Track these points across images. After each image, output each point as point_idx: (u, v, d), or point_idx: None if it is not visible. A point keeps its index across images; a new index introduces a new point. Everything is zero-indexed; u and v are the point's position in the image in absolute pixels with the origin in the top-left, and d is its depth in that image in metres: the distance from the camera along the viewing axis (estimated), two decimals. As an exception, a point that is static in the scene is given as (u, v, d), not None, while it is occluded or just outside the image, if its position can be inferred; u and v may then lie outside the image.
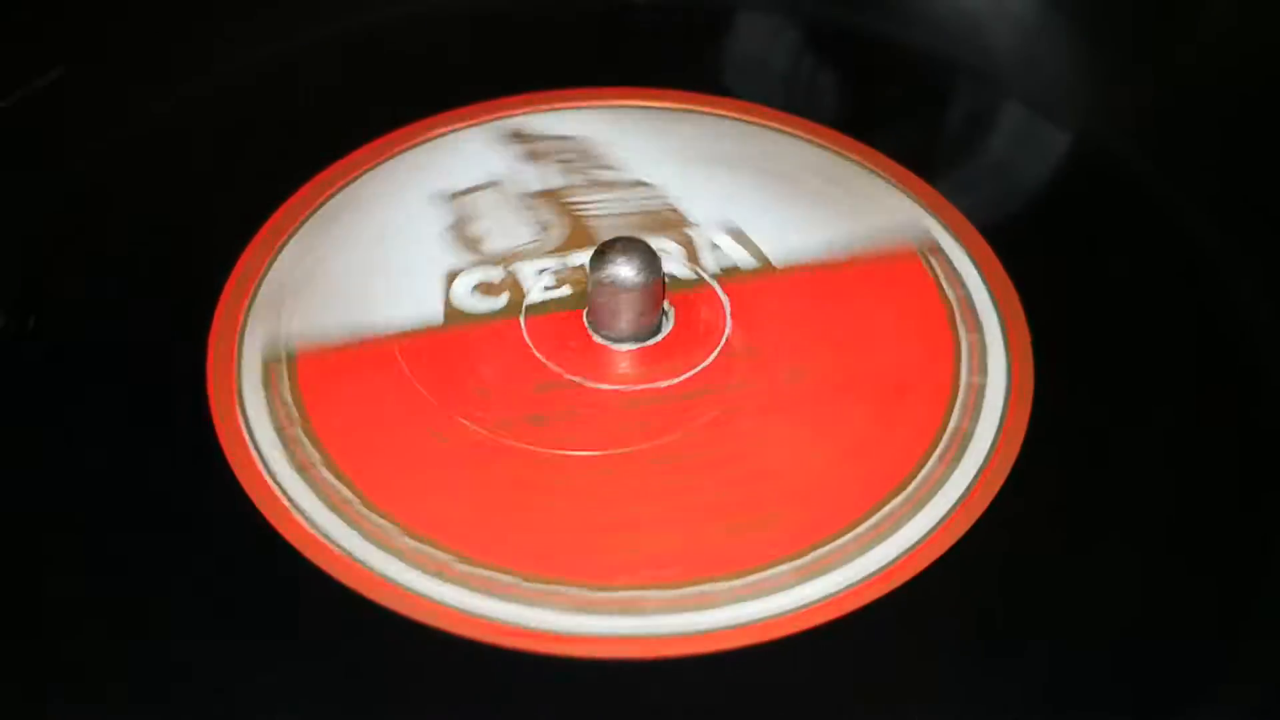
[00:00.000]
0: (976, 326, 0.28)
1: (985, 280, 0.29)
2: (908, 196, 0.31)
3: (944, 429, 0.26)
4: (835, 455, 0.26)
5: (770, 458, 0.26)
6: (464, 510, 0.24)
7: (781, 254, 0.30)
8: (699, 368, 0.27)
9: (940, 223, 0.31)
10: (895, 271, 0.30)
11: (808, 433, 0.26)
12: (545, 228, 0.30)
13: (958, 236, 0.30)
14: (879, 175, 0.32)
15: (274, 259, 0.29)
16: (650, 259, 0.27)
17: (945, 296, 0.29)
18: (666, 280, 0.29)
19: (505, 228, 0.30)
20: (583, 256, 0.29)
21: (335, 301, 0.28)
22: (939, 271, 0.30)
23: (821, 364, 0.27)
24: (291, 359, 0.27)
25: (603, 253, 0.27)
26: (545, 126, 0.33)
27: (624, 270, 0.27)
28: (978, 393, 0.27)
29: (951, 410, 0.26)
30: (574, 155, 0.32)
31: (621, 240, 0.27)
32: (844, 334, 0.28)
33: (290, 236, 0.30)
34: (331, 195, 0.31)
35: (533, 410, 0.26)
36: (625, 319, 0.27)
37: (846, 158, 0.33)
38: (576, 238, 0.30)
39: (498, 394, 0.27)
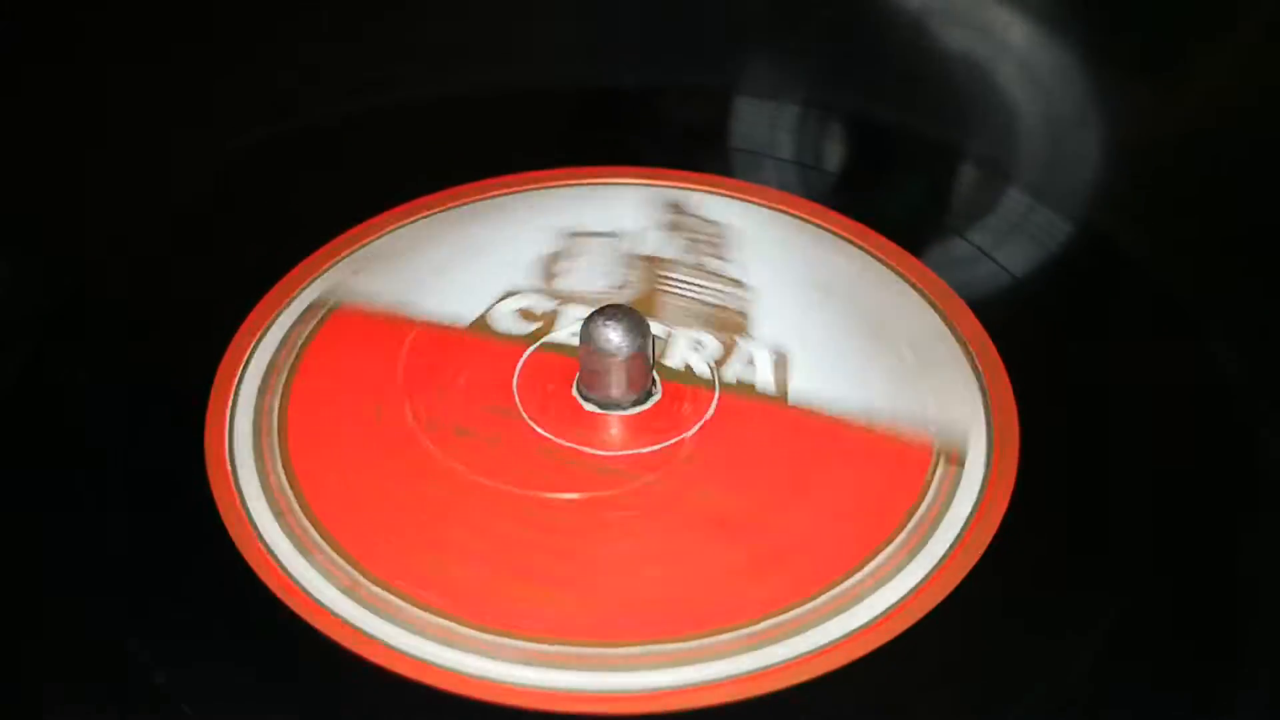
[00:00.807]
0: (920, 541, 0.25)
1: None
2: (980, 398, 0.29)
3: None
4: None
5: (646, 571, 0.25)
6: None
7: (805, 395, 0.28)
8: (637, 451, 0.27)
9: (988, 429, 0.28)
10: (895, 455, 0.27)
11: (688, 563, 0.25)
12: (622, 286, 0.31)
13: (990, 450, 0.27)
14: (971, 365, 0.29)
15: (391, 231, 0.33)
16: (636, 330, 0.27)
17: (923, 495, 0.26)
18: (683, 369, 0.29)
19: (588, 273, 0.32)
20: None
21: (403, 276, 0.31)
22: (938, 478, 0.27)
23: (751, 495, 0.26)
24: (337, 306, 0.30)
25: (597, 314, 0.28)
26: (700, 206, 0.34)
27: (607, 334, 0.27)
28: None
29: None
30: (704, 238, 0.33)
31: (621, 308, 0.28)
32: (787, 477, 0.27)
33: (428, 215, 0.33)
34: (477, 200, 0.34)
35: (466, 424, 0.28)
36: (607, 379, 0.28)
37: (953, 331, 0.30)
38: (641, 303, 0.31)
39: (450, 397, 0.28)
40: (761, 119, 0.37)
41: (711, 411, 0.28)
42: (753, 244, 0.33)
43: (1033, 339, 0.30)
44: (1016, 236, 0.33)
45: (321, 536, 0.25)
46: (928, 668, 0.23)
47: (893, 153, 0.37)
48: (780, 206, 0.34)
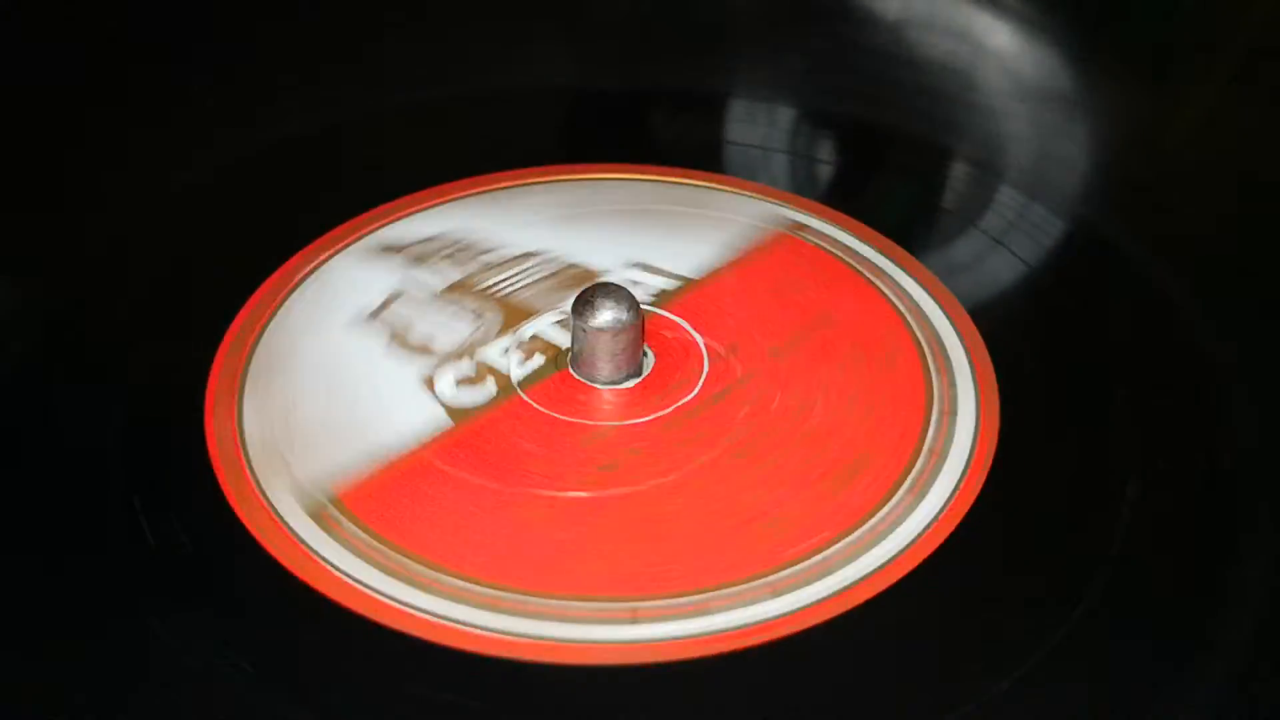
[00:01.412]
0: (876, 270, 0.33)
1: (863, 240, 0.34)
2: (757, 199, 0.35)
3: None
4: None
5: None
6: (570, 562, 0.25)
7: (691, 268, 0.32)
8: (701, 380, 0.29)
9: (793, 210, 0.35)
10: (787, 249, 0.33)
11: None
12: (478, 314, 0.31)
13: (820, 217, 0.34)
14: (725, 190, 0.35)
15: (240, 426, 0.28)
16: (630, 297, 0.29)
17: (838, 258, 0.33)
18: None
19: (442, 326, 0.31)
20: (533, 328, 0.30)
21: (338, 440, 0.27)
22: (816, 240, 0.34)
23: (793, 335, 0.30)
24: (335, 500, 0.26)
25: (588, 302, 0.28)
26: (409, 232, 0.33)
27: (613, 314, 0.28)
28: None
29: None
30: (452, 249, 0.33)
31: (599, 287, 0.29)
32: (792, 301, 0.31)
33: (240, 402, 0.28)
34: (249, 357, 0.30)
35: (599, 461, 0.27)
36: (622, 356, 0.29)
37: (694, 185, 0.36)
38: (512, 315, 0.31)
39: (556, 459, 0.27)
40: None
41: (683, 321, 0.31)
42: (484, 228, 0.34)
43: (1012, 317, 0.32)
44: (1007, 231, 0.35)
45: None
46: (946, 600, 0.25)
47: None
48: (461, 194, 0.35)
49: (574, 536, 0.25)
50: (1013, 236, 0.34)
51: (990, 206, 0.36)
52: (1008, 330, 0.31)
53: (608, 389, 0.29)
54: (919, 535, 0.25)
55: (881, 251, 0.33)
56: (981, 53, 0.41)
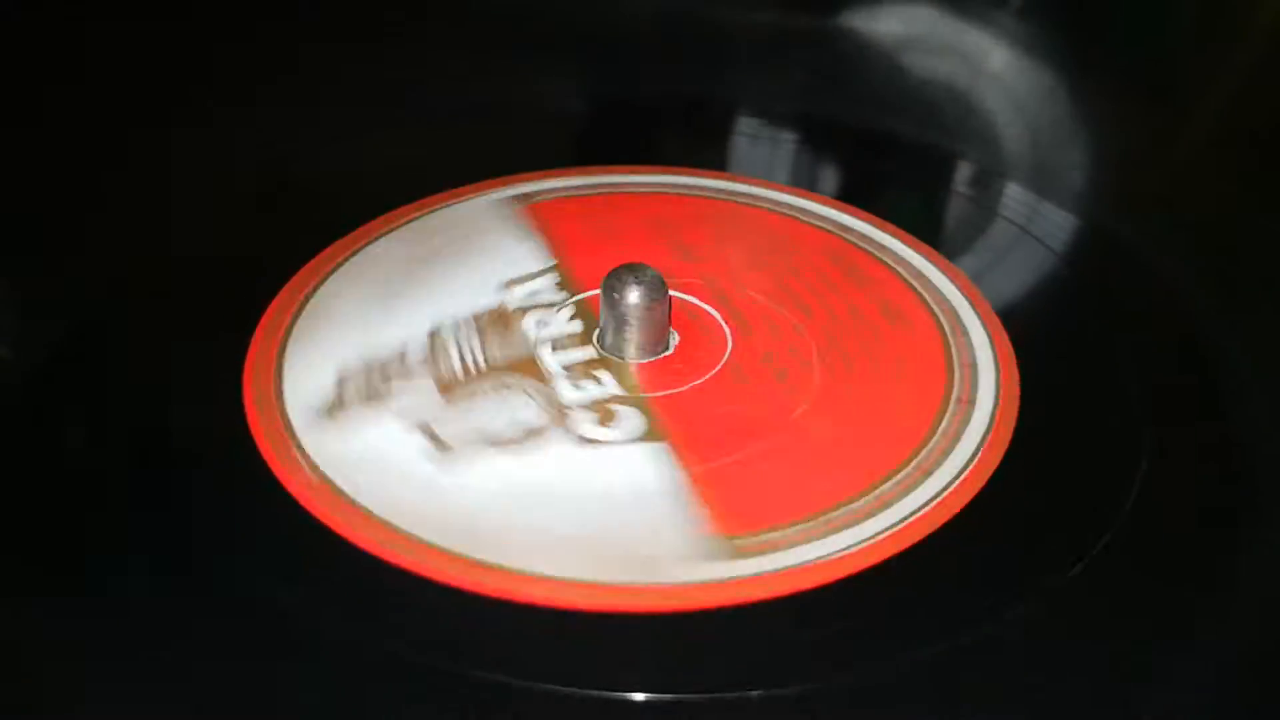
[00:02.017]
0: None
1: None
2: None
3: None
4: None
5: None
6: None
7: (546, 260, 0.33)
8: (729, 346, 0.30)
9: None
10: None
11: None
12: (501, 388, 0.28)
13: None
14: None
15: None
16: (655, 278, 0.29)
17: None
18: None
19: (498, 417, 0.27)
20: (551, 363, 0.29)
21: (621, 543, 0.25)
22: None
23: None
24: (728, 539, 0.24)
25: (623, 279, 0.29)
26: (313, 397, 0.28)
27: (638, 289, 0.29)
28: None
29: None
30: (374, 377, 0.29)
31: (625, 269, 0.29)
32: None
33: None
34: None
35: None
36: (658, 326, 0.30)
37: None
38: (523, 369, 0.29)
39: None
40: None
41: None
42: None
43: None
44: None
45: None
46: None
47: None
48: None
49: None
50: (1017, 229, 0.36)
51: (999, 203, 0.37)
52: (1018, 300, 0.33)
53: (648, 361, 0.29)
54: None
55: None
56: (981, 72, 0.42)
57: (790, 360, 0.30)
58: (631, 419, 0.27)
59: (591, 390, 0.28)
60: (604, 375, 0.29)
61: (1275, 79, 0.39)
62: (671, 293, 0.30)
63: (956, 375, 0.29)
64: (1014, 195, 0.38)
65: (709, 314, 0.31)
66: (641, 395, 0.28)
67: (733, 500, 0.25)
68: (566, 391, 0.28)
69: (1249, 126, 0.38)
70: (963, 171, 0.40)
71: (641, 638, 0.23)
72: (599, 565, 0.23)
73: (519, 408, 0.28)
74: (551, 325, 0.30)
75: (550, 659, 0.22)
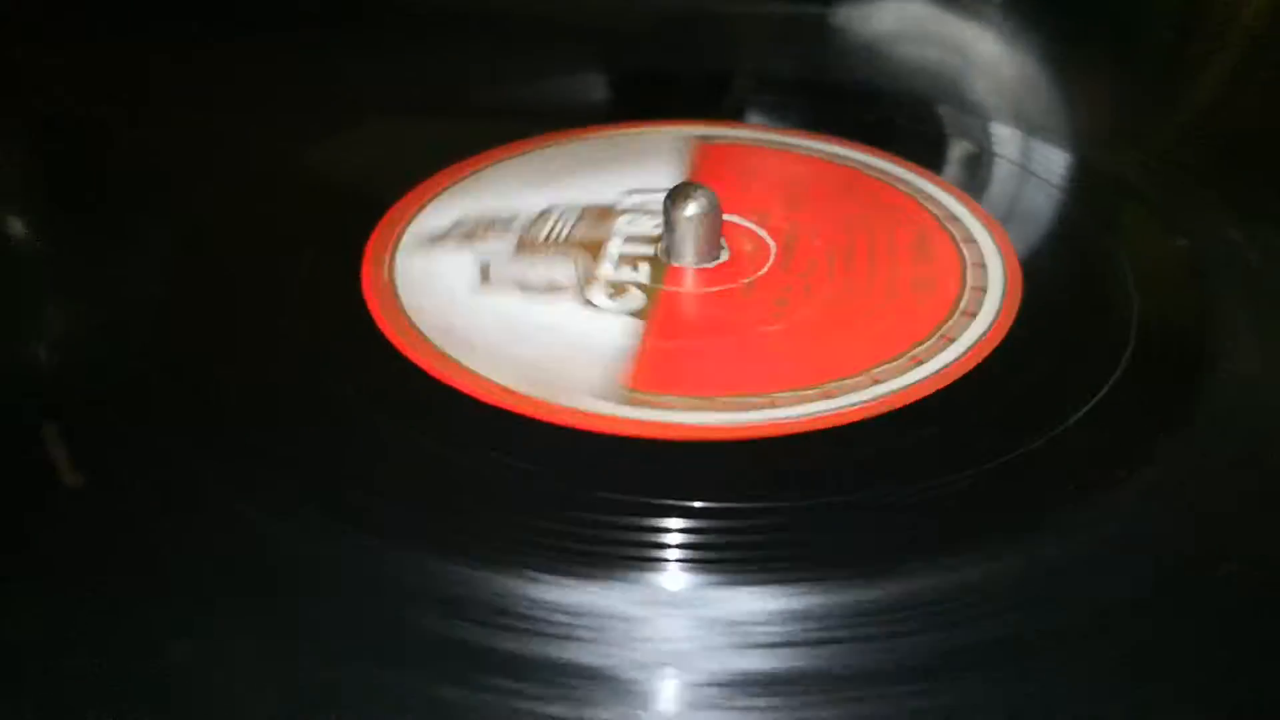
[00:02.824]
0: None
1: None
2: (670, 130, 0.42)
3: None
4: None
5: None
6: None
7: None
8: (773, 252, 0.36)
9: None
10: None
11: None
12: (564, 255, 0.35)
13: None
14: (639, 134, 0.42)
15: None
16: (705, 188, 0.35)
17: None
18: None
19: (548, 270, 0.34)
20: (615, 250, 0.35)
21: (576, 372, 0.31)
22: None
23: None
24: (625, 387, 0.30)
25: (681, 198, 0.34)
26: (433, 226, 0.36)
27: (702, 201, 0.34)
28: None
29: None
30: (485, 225, 0.37)
31: (685, 186, 0.35)
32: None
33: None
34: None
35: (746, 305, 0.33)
36: (711, 239, 0.35)
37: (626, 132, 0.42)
38: (589, 248, 0.35)
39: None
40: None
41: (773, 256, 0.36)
42: (496, 201, 0.38)
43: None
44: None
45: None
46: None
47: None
48: (459, 178, 0.38)
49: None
50: (1012, 164, 0.42)
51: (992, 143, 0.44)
52: (1014, 210, 0.39)
53: (703, 268, 0.35)
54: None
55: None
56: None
57: (808, 284, 0.34)
58: (635, 299, 0.33)
59: (623, 274, 0.34)
60: (644, 267, 0.35)
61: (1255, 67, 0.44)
62: (750, 226, 0.36)
63: (969, 272, 0.35)
64: (1005, 135, 0.44)
65: (768, 247, 0.36)
66: (657, 286, 0.34)
67: (656, 370, 0.30)
68: (605, 270, 0.34)
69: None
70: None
71: (537, 437, 0.28)
72: (529, 383, 0.30)
73: (559, 271, 0.34)
74: (637, 226, 0.37)
75: (470, 433, 0.28)
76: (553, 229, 0.36)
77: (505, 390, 0.30)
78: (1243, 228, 0.37)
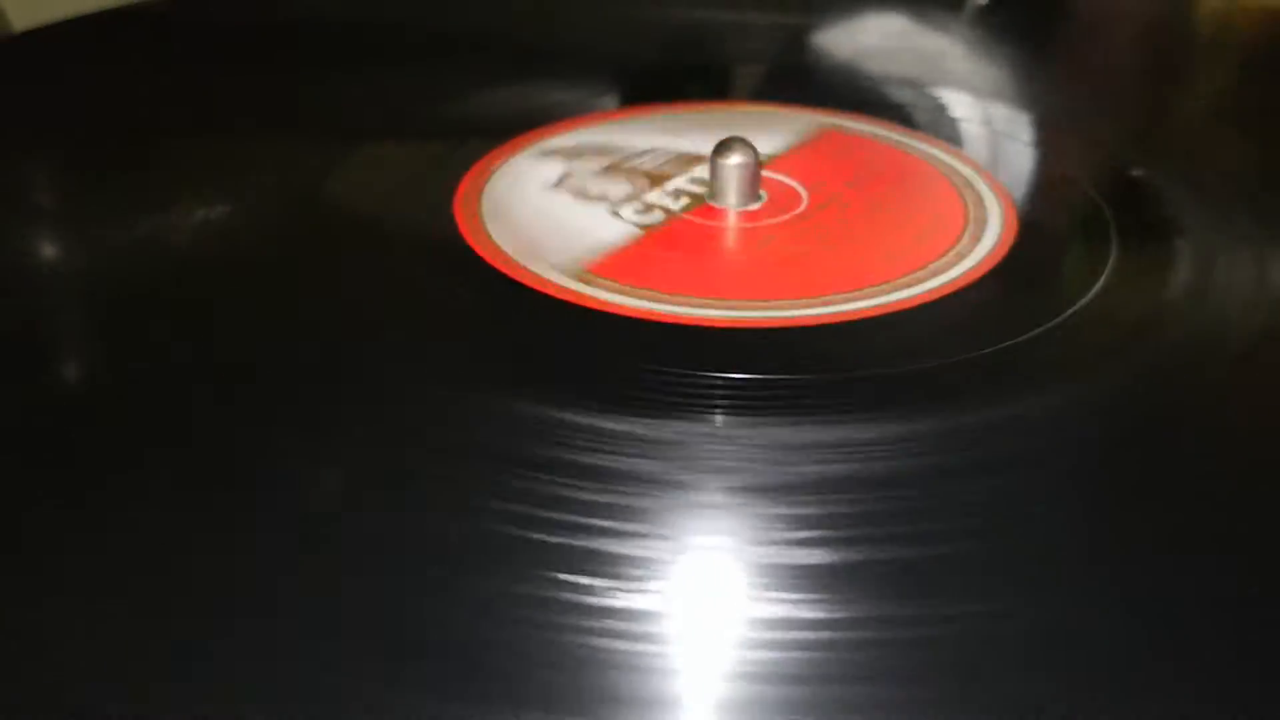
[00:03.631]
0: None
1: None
2: (798, 113, 0.48)
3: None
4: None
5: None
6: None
7: (765, 152, 0.45)
8: (805, 199, 0.42)
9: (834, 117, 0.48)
10: (835, 139, 0.46)
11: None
12: (631, 180, 0.43)
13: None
14: (768, 113, 0.48)
15: (493, 240, 0.39)
16: (750, 144, 0.41)
17: (878, 139, 0.46)
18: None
19: (609, 187, 0.42)
20: (674, 185, 0.42)
21: (565, 247, 0.39)
22: (858, 132, 0.47)
23: (862, 173, 0.43)
24: (586, 272, 0.37)
25: (724, 147, 0.41)
26: (559, 144, 0.45)
27: (741, 154, 0.41)
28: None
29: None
30: (595, 151, 0.45)
31: (730, 139, 0.41)
32: (853, 159, 0.44)
33: (486, 229, 0.39)
34: (479, 209, 0.41)
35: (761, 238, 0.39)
36: (750, 185, 0.41)
37: (757, 111, 0.49)
38: (656, 179, 0.43)
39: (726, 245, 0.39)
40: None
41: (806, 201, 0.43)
42: (616, 139, 0.46)
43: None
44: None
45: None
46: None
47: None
48: (596, 123, 0.47)
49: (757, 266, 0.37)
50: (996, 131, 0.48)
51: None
52: (1004, 161, 0.44)
53: (739, 210, 0.41)
54: (985, 257, 0.38)
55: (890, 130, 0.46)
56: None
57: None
58: (653, 218, 0.40)
59: (663, 201, 0.41)
60: (684, 200, 0.42)
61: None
62: (794, 188, 0.42)
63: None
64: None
65: (801, 199, 0.42)
66: (681, 214, 0.41)
67: (620, 265, 0.38)
68: (652, 196, 0.42)
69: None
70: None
71: (495, 283, 0.37)
72: (517, 251, 0.38)
73: (614, 189, 0.42)
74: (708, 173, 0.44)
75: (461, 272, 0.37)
76: (640, 162, 0.44)
77: (501, 253, 0.38)
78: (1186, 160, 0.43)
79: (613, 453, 0.28)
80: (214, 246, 0.38)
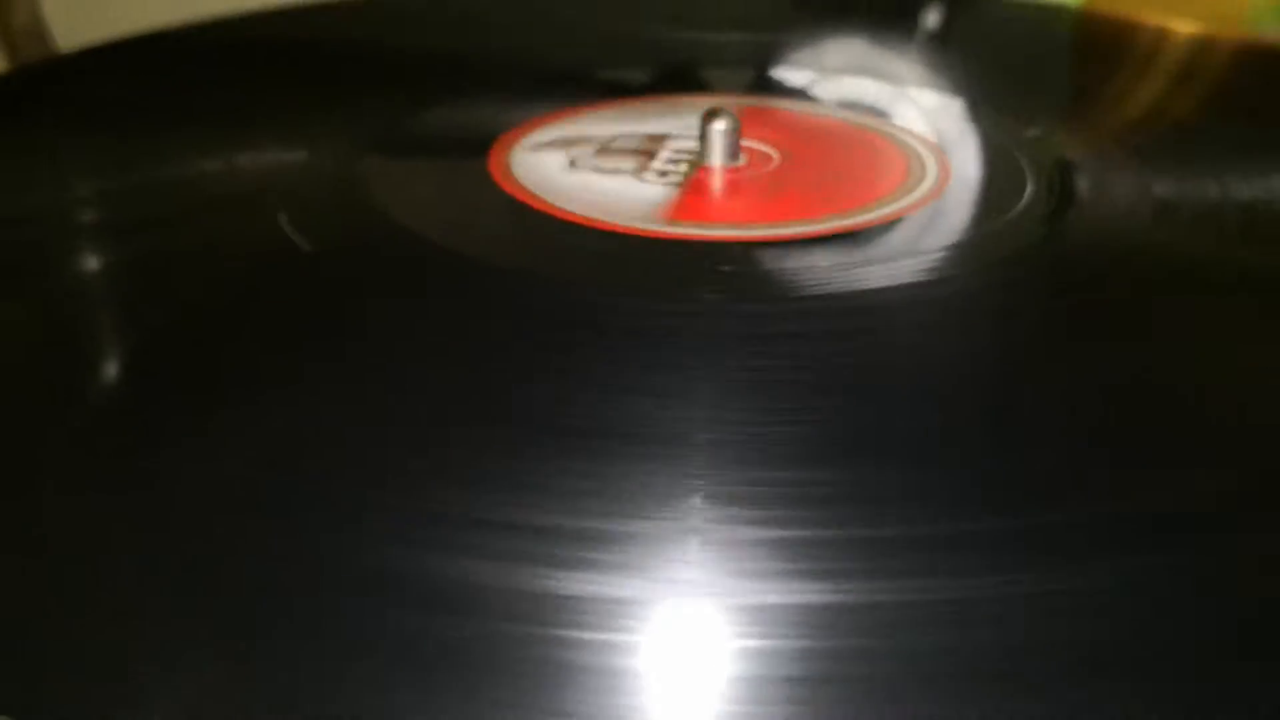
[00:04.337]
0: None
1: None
2: (741, 98, 0.57)
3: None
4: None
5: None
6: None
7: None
8: (777, 156, 0.51)
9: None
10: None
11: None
12: (631, 154, 0.50)
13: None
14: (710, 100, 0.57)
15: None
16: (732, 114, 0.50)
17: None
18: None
19: (617, 162, 0.50)
20: (664, 155, 0.50)
21: (616, 211, 0.46)
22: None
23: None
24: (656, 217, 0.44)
25: (712, 116, 0.49)
26: (544, 138, 0.52)
27: (727, 120, 0.49)
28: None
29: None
30: (570, 140, 0.52)
31: (714, 108, 0.50)
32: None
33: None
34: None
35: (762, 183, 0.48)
36: (733, 148, 0.50)
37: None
38: (646, 152, 0.51)
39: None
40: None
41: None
42: (602, 128, 0.53)
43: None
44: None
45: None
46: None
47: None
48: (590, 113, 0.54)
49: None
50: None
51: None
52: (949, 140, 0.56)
53: (726, 166, 0.49)
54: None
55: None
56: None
57: (803, 176, 0.49)
58: (675, 178, 0.48)
59: (667, 166, 0.49)
60: (682, 165, 0.50)
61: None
62: (765, 149, 0.51)
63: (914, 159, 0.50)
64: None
65: (773, 158, 0.51)
66: (690, 173, 0.49)
67: (688, 210, 0.45)
68: (656, 164, 0.49)
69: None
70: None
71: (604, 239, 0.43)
72: (595, 211, 0.45)
73: (623, 163, 0.49)
74: (681, 144, 0.52)
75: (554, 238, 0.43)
76: (622, 144, 0.52)
77: (577, 215, 0.45)
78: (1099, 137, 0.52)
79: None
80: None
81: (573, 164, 0.50)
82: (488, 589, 0.24)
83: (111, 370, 0.35)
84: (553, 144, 0.52)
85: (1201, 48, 0.66)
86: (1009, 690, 0.23)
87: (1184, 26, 0.68)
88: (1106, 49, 0.68)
